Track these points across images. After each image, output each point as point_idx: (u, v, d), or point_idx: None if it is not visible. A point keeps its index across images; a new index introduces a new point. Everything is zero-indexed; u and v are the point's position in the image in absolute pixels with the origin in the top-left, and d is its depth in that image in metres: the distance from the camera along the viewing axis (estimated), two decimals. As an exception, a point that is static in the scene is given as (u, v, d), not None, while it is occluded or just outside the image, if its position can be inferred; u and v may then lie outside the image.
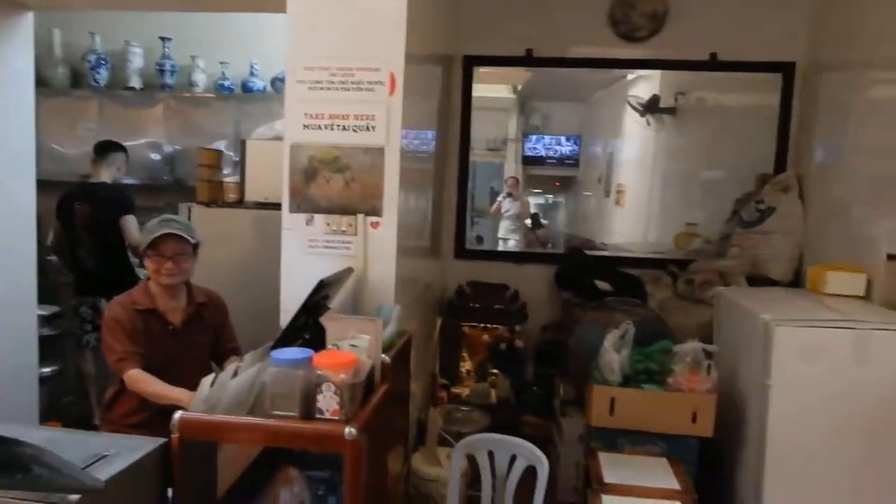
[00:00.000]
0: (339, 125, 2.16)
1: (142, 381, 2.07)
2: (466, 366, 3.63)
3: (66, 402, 3.78)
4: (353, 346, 1.70)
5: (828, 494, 2.14)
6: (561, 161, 8.09)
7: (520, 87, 7.14)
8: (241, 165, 2.70)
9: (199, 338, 2.27)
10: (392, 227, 2.18)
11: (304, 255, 2.22)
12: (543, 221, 7.51)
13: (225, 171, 3.03)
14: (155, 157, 4.17)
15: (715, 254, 3.63)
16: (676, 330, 3.05)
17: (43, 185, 3.95)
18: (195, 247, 2.24)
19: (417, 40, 2.30)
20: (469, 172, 3.83)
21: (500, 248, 6.44)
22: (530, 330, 3.65)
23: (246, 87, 4.14)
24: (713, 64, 3.54)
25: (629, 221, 6.04)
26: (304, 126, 2.17)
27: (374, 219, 2.18)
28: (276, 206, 2.28)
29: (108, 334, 2.13)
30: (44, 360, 3.38)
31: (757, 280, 3.20)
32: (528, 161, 8.02)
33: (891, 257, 2.39)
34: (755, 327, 2.27)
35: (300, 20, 2.12)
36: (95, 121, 4.18)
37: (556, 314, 3.72)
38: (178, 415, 1.57)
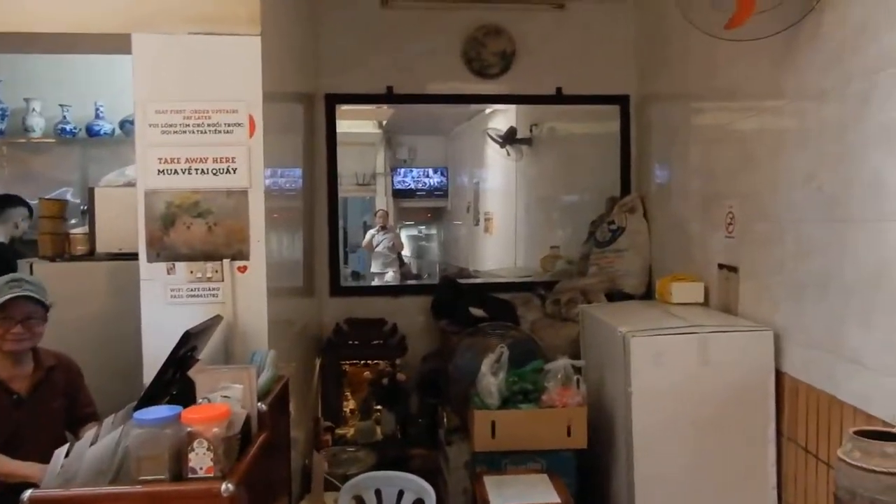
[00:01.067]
0: (197, 168, 2.09)
1: None
2: (350, 405, 3.57)
3: None
4: (226, 396, 1.63)
5: (690, 488, 2.33)
6: (430, 192, 8.30)
7: (385, 123, 7.27)
8: (89, 215, 2.51)
9: (50, 406, 2.05)
10: (261, 269, 2.13)
11: (167, 306, 2.11)
12: (405, 255, 7.63)
13: (72, 222, 2.79)
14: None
15: (577, 273, 3.87)
16: (548, 348, 3.20)
17: None
18: (47, 309, 2.03)
19: (275, 78, 2.29)
20: (339, 208, 3.82)
21: (376, 282, 6.45)
22: (412, 362, 3.67)
23: (91, 131, 3.86)
24: (559, 98, 3.82)
25: (499, 248, 6.31)
26: (159, 171, 2.08)
27: (241, 263, 2.12)
28: (132, 256, 2.15)
29: None
30: None
31: (614, 295, 3.45)
32: (399, 194, 8.15)
33: (721, 266, 2.69)
34: (615, 339, 2.45)
35: (147, 62, 2.04)
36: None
37: (435, 344, 3.78)
38: (27, 494, 1.42)
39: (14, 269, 2.92)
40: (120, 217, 2.47)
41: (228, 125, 2.06)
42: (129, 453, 1.47)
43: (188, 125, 2.05)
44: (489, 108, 5.68)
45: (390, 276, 6.70)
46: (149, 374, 2.14)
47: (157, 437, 1.45)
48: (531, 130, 5.32)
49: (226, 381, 1.68)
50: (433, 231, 8.84)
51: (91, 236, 2.49)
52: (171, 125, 2.05)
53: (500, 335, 3.24)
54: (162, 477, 1.44)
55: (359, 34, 3.65)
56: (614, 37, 3.78)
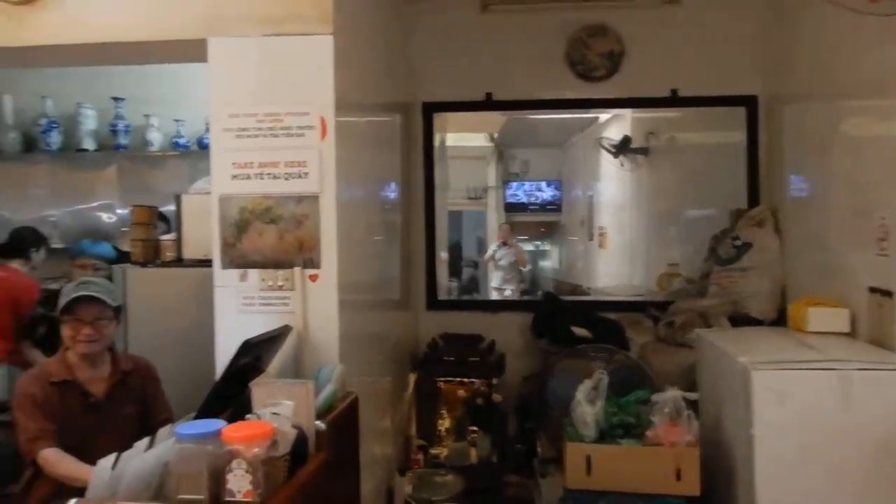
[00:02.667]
0: (269, 174, 2.02)
1: (56, 462, 1.85)
2: (445, 424, 3.40)
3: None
4: (275, 413, 1.51)
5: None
6: (543, 207, 8.02)
7: (496, 135, 7.13)
8: (176, 222, 2.55)
9: (125, 410, 2.06)
10: (332, 278, 2.02)
11: (240, 314, 2.05)
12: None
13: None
14: (110, 219, 4.02)
15: (696, 294, 3.47)
16: (659, 376, 2.87)
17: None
18: (117, 311, 2.05)
19: (352, 80, 2.19)
20: (450, 222, 3.70)
21: (496, 297, 6.27)
22: (510, 382, 3.45)
23: (201, 144, 4.04)
24: (675, 100, 3.47)
25: (613, 264, 5.91)
26: (233, 176, 2.03)
27: (313, 271, 2.01)
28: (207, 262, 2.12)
29: (18, 412, 1.92)
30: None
31: (738, 319, 3.03)
32: (511, 208, 7.95)
33: (873, 290, 2.24)
34: (734, 371, 2.09)
35: (222, 66, 2.01)
36: (47, 185, 4.05)
37: (535, 364, 3.53)
38: (72, 503, 1.37)
39: None
40: (205, 224, 2.47)
41: (300, 128, 1.98)
42: (169, 469, 1.38)
43: (261, 129, 1.99)
44: (603, 118, 5.36)
45: (510, 292, 6.48)
46: (220, 384, 2.09)
47: (196, 454, 1.34)
48: (647, 139, 4.93)
49: (280, 397, 1.57)
50: (547, 247, 8.55)
51: (178, 243, 2.52)
52: (244, 129, 2.00)
53: (604, 358, 2.95)
54: (200, 497, 1.33)
55: (456, 40, 3.53)
56: (736, 30, 3.38)
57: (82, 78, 3.98)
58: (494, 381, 3.30)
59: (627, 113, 4.59)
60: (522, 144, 7.73)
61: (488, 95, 3.56)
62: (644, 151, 4.95)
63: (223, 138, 2.01)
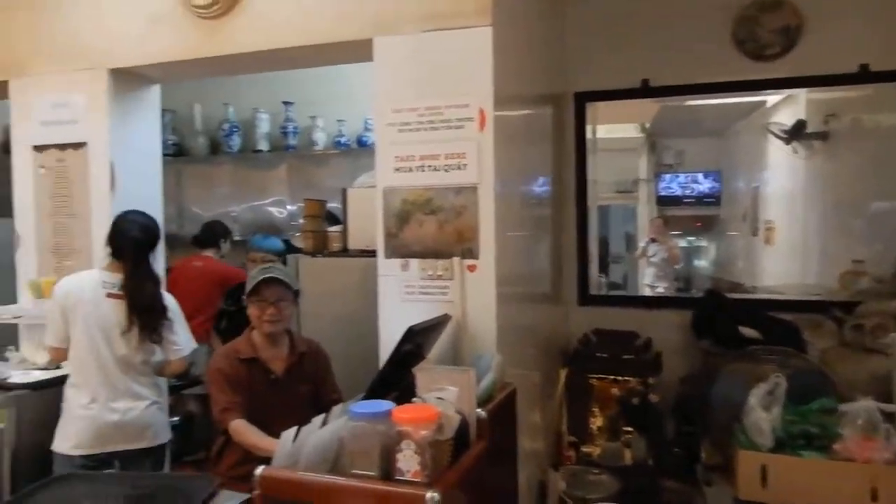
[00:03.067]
0: (429, 166, 2.07)
1: (243, 432, 2.05)
2: (597, 422, 3.30)
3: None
4: (440, 398, 1.54)
5: None
6: (700, 200, 7.51)
7: (648, 125, 6.80)
8: (343, 215, 2.70)
9: (300, 388, 2.23)
10: (490, 269, 2.03)
11: (401, 303, 2.13)
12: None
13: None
14: (280, 213, 4.37)
15: (888, 294, 3.07)
16: (843, 384, 2.57)
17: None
18: (296, 294, 2.22)
19: (510, 72, 2.19)
20: (598, 217, 3.60)
21: (648, 293, 6.00)
22: (667, 382, 3.27)
23: (360, 142, 4.26)
24: (864, 76, 3.08)
25: (781, 261, 5.40)
26: (396, 169, 2.11)
27: (471, 261, 2.04)
28: (372, 254, 2.22)
29: (212, 385, 2.15)
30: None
31: (944, 323, 2.63)
32: (663, 201, 7.52)
33: None
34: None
35: (386, 63, 2.09)
36: (229, 184, 4.49)
37: (694, 365, 3.31)
38: (259, 470, 1.49)
39: None
40: (368, 216, 2.59)
41: (459, 120, 2.01)
42: (345, 445, 1.46)
43: (421, 122, 2.05)
44: (771, 101, 4.89)
45: (662, 290, 6.17)
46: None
47: (368, 433, 1.41)
48: (826, 122, 4.43)
49: (443, 383, 1.60)
50: (703, 242, 8.01)
51: (344, 234, 2.68)
52: (406, 123, 2.07)
53: (777, 362, 2.69)
54: (372, 473, 1.39)
55: (609, 26, 3.40)
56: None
57: (257, 85, 4.36)
58: (651, 380, 3.14)
59: (801, 94, 4.15)
60: (677, 134, 7.29)
61: (644, 82, 3.39)
62: (822, 136, 4.44)
63: (387, 133, 2.09)
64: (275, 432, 2.05)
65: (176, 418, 3.36)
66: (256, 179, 4.43)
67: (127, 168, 2.69)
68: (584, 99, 3.50)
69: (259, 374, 2.19)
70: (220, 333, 3.06)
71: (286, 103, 4.40)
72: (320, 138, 4.38)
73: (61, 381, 2.34)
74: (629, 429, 3.11)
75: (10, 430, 2.24)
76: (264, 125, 4.48)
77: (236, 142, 4.54)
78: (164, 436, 2.43)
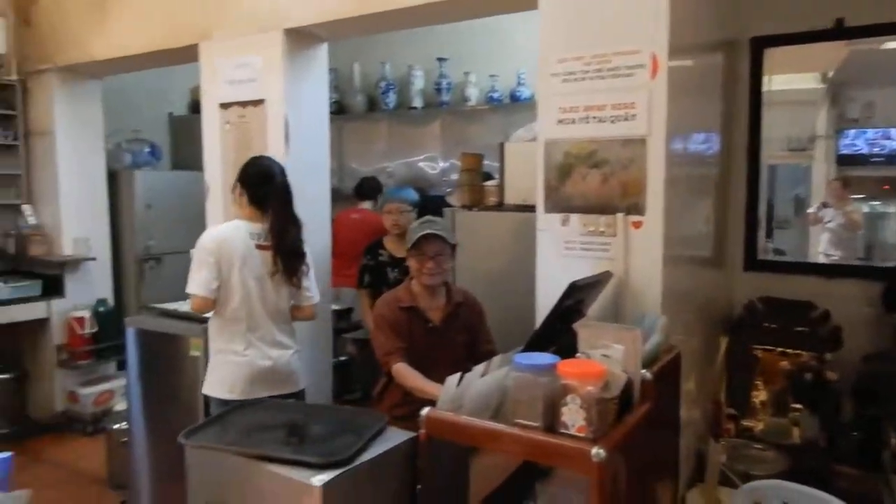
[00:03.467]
0: (594, 117, 1.98)
1: (405, 375, 2.16)
2: (760, 396, 3.08)
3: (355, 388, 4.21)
4: (605, 356, 1.50)
5: None
6: (891, 159, 6.62)
7: (831, 74, 6.04)
8: (500, 169, 2.69)
9: (456, 337, 2.29)
10: (657, 226, 1.92)
11: (559, 258, 2.08)
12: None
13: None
14: (433, 170, 4.46)
15: None
16: None
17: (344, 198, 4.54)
18: (453, 248, 2.27)
19: (688, 22, 2.01)
20: (763, 176, 3.29)
21: (823, 261, 5.45)
22: (846, 359, 2.96)
23: (514, 97, 4.20)
24: None
25: None
26: (559, 121, 2.04)
27: (636, 218, 1.94)
28: (534, 209, 2.19)
29: (376, 330, 2.28)
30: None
31: None
32: (845, 161, 6.70)
33: None
34: None
35: (553, 11, 2.01)
36: (384, 140, 4.64)
37: (883, 342, 2.96)
38: (425, 411, 1.55)
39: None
40: (525, 171, 2.56)
41: (629, 68, 1.89)
42: (508, 394, 1.47)
43: (587, 72, 1.96)
44: None
45: (838, 258, 5.56)
46: (540, 322, 2.17)
47: (532, 384, 1.41)
48: None
49: (607, 340, 1.55)
50: (890, 208, 7.07)
51: (501, 188, 2.67)
52: (571, 73, 1.99)
53: None
54: (535, 424, 1.39)
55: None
56: None
57: (413, 42, 4.43)
58: (828, 355, 2.85)
59: None
60: (867, 83, 6.42)
61: (839, 22, 2.99)
62: None
63: (550, 83, 2.03)
64: (432, 378, 2.16)
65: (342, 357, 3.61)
66: (410, 136, 4.54)
67: (299, 123, 2.87)
68: (761, 45, 3.15)
69: (418, 322, 2.27)
70: (364, 287, 3.15)
71: (440, 59, 4.44)
72: (473, 94, 4.38)
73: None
74: (798, 406, 2.87)
75: (203, 360, 2.50)
76: (419, 82, 4.56)
77: (392, 99, 4.68)
78: (304, 382, 2.53)
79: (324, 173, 3.09)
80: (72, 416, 3.99)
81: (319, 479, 1.41)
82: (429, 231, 2.19)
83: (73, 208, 4.07)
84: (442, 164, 4.44)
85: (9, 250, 3.99)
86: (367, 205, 4.09)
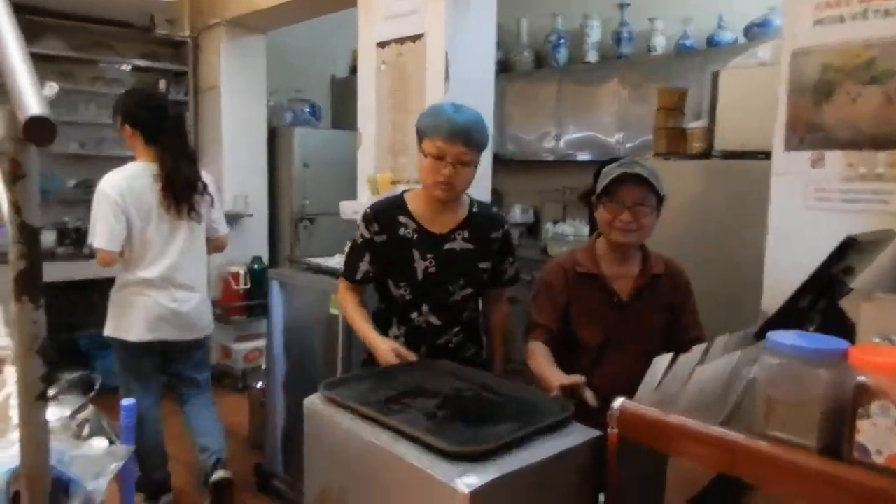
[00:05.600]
0: (878, 10, 1.38)
1: (533, 356, 1.66)
2: None
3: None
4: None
5: None
6: None
7: None
8: (710, 105, 2.09)
9: (649, 318, 1.72)
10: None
11: (806, 212, 1.52)
12: None
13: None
14: (607, 137, 3.88)
15: None
16: None
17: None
18: (660, 201, 1.67)
19: None
20: None
21: None
22: None
23: (711, 42, 3.51)
24: None
25: None
26: (816, 21, 1.47)
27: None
28: (755, 156, 1.64)
29: (533, 301, 1.77)
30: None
31: None
32: None
33: None
34: None
35: None
36: (553, 100, 4.14)
37: None
38: (617, 403, 1.11)
39: None
40: (747, 106, 1.97)
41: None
42: (758, 389, 0.98)
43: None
44: None
45: None
46: (769, 300, 1.63)
47: (802, 377, 0.90)
48: None
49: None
50: None
51: (709, 131, 2.08)
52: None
53: None
54: (805, 443, 0.89)
55: None
56: None
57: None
58: None
59: None
60: None
61: None
62: None
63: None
64: (612, 367, 1.64)
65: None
66: (583, 95, 3.99)
67: (460, 62, 2.50)
68: None
69: (599, 295, 1.72)
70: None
71: (622, 6, 3.85)
72: (659, 43, 3.75)
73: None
74: None
75: (342, 317, 2.24)
76: (594, 33, 4.01)
77: (563, 54, 4.17)
78: (211, 328, 2.49)
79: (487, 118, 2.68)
80: (225, 371, 4.02)
81: (467, 482, 1.01)
82: (629, 171, 1.62)
83: (234, 164, 4.07)
84: (617, 135, 3.83)
85: (175, 205, 4.10)
86: None
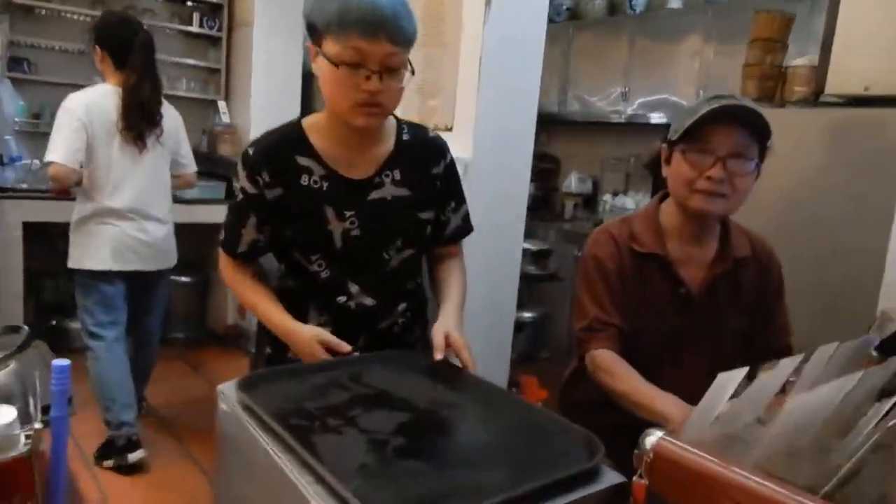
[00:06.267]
0: None
1: (609, 371, 1.18)
2: None
3: (544, 356, 3.45)
4: None
5: None
6: None
7: None
8: (824, 37, 1.55)
9: (729, 317, 1.25)
10: None
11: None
12: None
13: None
14: (684, 98, 3.33)
15: None
16: None
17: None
18: (762, 155, 1.17)
19: None
20: None
21: None
22: None
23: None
24: None
25: None
26: None
27: None
28: (883, 102, 1.16)
29: (584, 283, 1.28)
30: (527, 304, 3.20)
31: None
32: None
33: None
34: None
35: None
36: (625, 55, 3.59)
37: None
38: (650, 441, 0.70)
39: None
40: (880, 36, 1.46)
41: None
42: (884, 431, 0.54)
43: None
44: None
45: None
46: (890, 299, 1.17)
47: None
48: None
49: None
50: None
51: (821, 69, 1.54)
52: None
53: None
54: None
55: None
56: None
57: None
58: None
59: None
60: None
61: None
62: None
63: None
64: (672, 379, 1.13)
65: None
66: (660, 51, 3.44)
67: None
68: None
69: (661, 282, 1.25)
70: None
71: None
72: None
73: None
74: None
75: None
76: (682, -26, 3.45)
77: (640, 1, 3.62)
78: (175, 258, 2.47)
79: (532, 102, 2.23)
80: (240, 331, 3.78)
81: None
82: (728, 104, 1.12)
83: (263, 106, 3.75)
84: (699, 88, 3.26)
85: (201, 148, 3.81)
86: None
